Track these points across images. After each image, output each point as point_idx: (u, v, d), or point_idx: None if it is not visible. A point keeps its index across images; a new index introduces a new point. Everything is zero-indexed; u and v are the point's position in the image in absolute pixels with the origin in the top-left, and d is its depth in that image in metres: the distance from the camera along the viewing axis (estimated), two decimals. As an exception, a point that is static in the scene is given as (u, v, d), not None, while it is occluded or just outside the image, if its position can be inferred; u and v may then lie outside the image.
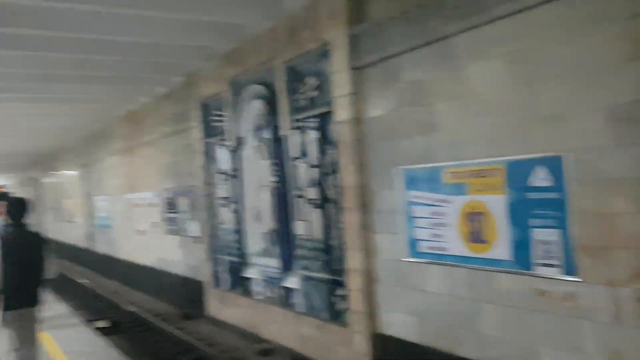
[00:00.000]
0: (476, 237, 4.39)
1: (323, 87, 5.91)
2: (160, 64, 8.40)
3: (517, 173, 4.02)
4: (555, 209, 3.79)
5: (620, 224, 3.39)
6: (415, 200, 4.94)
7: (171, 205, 10.51)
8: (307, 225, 6.36)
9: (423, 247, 4.89)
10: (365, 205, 5.48)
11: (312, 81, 6.10)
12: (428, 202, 4.81)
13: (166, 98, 10.25)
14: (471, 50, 4.28)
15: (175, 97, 9.79)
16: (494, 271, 4.24)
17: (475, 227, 4.39)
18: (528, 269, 3.99)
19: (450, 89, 4.49)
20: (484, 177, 4.28)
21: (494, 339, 4.26)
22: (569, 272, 3.73)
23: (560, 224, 3.77)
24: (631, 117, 3.28)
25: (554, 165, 3.77)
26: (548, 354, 3.87)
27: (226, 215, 8.28)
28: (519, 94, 3.95)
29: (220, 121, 8.16)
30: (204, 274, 9.04)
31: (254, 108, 7.32)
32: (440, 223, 4.70)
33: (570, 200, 3.67)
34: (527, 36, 3.86)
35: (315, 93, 6.07)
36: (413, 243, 5.00)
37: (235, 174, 7.96)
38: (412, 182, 4.96)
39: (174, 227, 10.47)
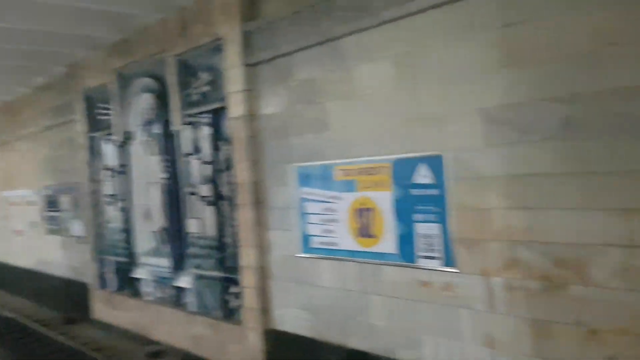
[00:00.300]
0: (365, 232, 4.55)
1: (216, 82, 5.82)
2: (40, 53, 7.75)
3: (402, 171, 4.22)
4: (436, 204, 4.02)
5: (492, 218, 3.67)
6: (308, 196, 5.02)
7: (52, 203, 9.82)
8: (200, 222, 6.23)
9: (315, 242, 4.99)
10: (259, 202, 5.48)
11: (204, 76, 5.98)
12: (320, 198, 4.91)
13: (46, 89, 9.54)
14: (360, 52, 4.43)
15: (57, 88, 9.15)
16: (381, 264, 4.42)
17: (364, 222, 4.55)
18: (412, 261, 4.21)
19: (340, 88, 4.61)
20: (372, 174, 4.44)
21: (382, 329, 4.45)
22: (448, 264, 3.98)
23: (440, 219, 4.01)
24: (501, 119, 3.56)
25: (435, 163, 4.00)
26: (430, 341, 4.11)
27: (113, 214, 7.89)
28: (404, 95, 4.14)
29: (107, 114, 7.75)
30: (89, 276, 8.55)
31: (143, 102, 7.03)
32: (332, 219, 4.82)
33: (449, 197, 3.91)
34: (411, 40, 4.05)
35: (208, 88, 5.95)
36: (306, 239, 5.08)
37: (122, 170, 7.60)
38: (305, 179, 5.04)
39: (55, 226, 9.80)
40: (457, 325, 3.93)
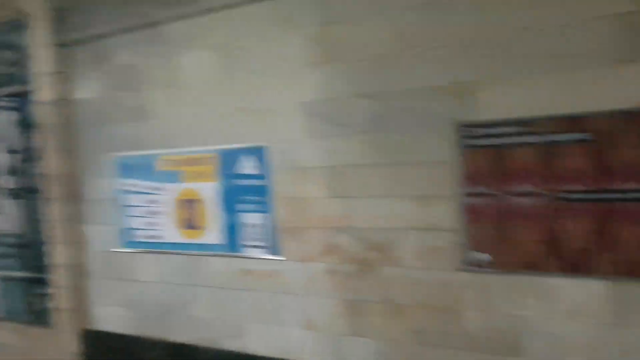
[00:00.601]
0: (191, 223, 4.47)
1: (22, 62, 5.23)
2: None
3: (228, 161, 4.23)
4: (261, 194, 4.10)
5: (313, 207, 3.85)
6: (129, 188, 4.77)
7: None
8: (3, 219, 5.59)
9: (138, 236, 4.77)
10: (74, 195, 5.07)
11: (7, 55, 5.34)
12: (143, 190, 4.70)
13: None
14: (183, 40, 4.31)
15: None
16: (207, 255, 4.39)
17: (190, 214, 4.47)
18: (239, 251, 4.24)
19: (164, 76, 4.45)
20: (198, 165, 4.38)
21: (207, 320, 4.43)
22: (274, 252, 4.09)
23: (266, 209, 4.10)
24: (320, 113, 3.74)
25: (260, 154, 4.08)
26: (255, 329, 4.19)
27: None
28: (229, 86, 4.14)
29: None
30: None
31: None
32: (156, 211, 4.65)
33: (274, 187, 4.02)
34: (237, 31, 4.06)
35: (12, 69, 5.33)
36: (127, 233, 4.83)
37: None
38: (126, 169, 4.78)
39: None
40: (281, 311, 4.07)
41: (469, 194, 3.25)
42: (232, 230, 4.27)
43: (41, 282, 5.34)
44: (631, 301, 2.87)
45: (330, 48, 3.67)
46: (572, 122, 2.92)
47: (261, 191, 4.10)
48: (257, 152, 4.09)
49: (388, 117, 3.47)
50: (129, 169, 4.75)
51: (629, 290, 2.86)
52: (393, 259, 3.55)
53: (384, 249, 3.58)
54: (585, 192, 2.92)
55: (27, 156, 5.35)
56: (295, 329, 4.00)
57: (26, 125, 5.31)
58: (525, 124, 3.04)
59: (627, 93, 2.77)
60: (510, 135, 3.09)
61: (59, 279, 5.17)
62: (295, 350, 4.01)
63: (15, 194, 5.49)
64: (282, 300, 4.04)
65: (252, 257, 4.18)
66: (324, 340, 3.89)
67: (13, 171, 5.48)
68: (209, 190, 4.34)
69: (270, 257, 4.10)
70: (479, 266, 3.27)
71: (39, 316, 5.41)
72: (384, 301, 3.61)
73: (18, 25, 5.15)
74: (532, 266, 3.10)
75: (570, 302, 3.02)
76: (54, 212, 5.14)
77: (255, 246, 4.18)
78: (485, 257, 3.25)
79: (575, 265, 2.98)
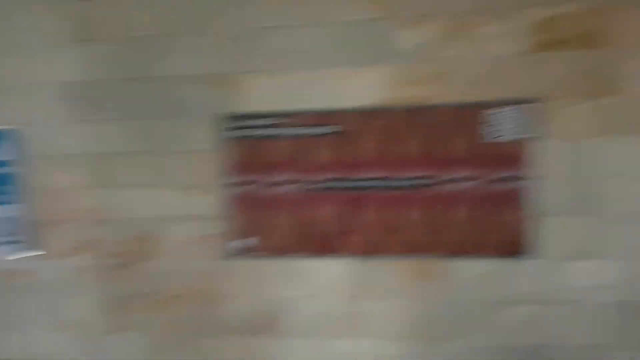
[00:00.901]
0: None
1: None
2: None
3: (-32, 146, 3.71)
4: (11, 184, 3.68)
5: (72, 197, 3.59)
6: None
7: None
8: None
9: None
10: None
11: None
12: None
13: None
14: None
15: None
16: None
17: None
18: (-15, 247, 3.77)
19: None
20: None
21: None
22: (32, 248, 3.70)
23: (22, 200, 3.69)
24: (81, 96, 3.49)
25: (13, 139, 3.65)
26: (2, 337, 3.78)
27: None
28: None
29: None
30: None
31: None
32: None
33: (28, 176, 3.63)
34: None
35: None
36: None
37: None
38: None
39: None
40: (33, 314, 3.71)
41: (234, 183, 3.34)
42: (-24, 225, 3.76)
43: None
44: (372, 275, 3.25)
45: (90, 27, 3.42)
46: (323, 116, 3.19)
47: (10, 180, 3.67)
48: (9, 136, 3.65)
49: (152, 104, 3.38)
50: None
51: (370, 266, 3.24)
52: (158, 250, 3.49)
53: (148, 240, 3.49)
54: (334, 180, 3.21)
55: None
56: (50, 332, 3.68)
57: None
58: (283, 117, 3.23)
59: (368, 92, 3.12)
60: (269, 127, 3.25)
61: None
62: (51, 355, 3.70)
63: None
64: (35, 301, 3.69)
65: (5, 254, 3.73)
66: (84, 340, 3.65)
67: None
68: (-58, 179, 3.75)
69: (22, 254, 3.70)
70: (243, 253, 3.38)
71: None
72: (150, 294, 3.53)
73: None
74: (290, 250, 3.32)
75: (323, 280, 3.31)
76: None
77: (9, 242, 3.74)
78: (249, 243, 3.37)
79: (326, 246, 3.27)
